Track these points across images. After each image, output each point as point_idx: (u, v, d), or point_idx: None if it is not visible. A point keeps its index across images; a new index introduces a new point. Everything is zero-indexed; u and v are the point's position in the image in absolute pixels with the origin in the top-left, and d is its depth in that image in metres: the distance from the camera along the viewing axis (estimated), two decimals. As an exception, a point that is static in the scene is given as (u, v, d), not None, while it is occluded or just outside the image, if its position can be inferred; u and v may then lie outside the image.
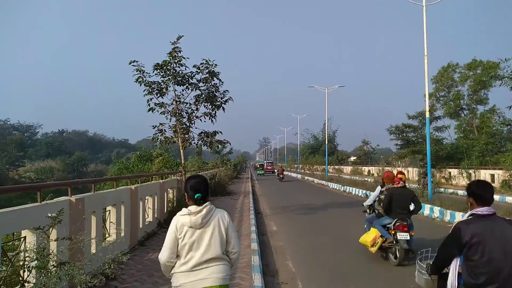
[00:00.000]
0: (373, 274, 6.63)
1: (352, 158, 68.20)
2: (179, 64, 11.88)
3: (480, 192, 3.04)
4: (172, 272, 2.91)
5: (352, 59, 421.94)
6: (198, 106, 12.77)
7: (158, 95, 12.21)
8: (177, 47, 11.71)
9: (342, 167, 55.41)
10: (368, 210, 8.21)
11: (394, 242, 6.71)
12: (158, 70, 12.00)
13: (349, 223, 12.26)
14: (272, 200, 18.69)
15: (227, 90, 12.70)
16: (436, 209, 12.49)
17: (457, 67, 39.26)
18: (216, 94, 12.63)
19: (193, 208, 2.89)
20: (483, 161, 31.05)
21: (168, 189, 12.46)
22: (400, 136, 34.24)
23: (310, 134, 78.03)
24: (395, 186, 7.06)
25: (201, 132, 12.87)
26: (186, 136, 12.67)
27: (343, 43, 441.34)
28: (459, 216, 11.17)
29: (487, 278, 2.82)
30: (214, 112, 12.78)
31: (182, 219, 2.88)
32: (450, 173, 28.44)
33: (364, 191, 20.05)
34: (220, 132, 12.93)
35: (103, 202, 6.84)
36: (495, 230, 2.88)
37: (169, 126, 12.55)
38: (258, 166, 56.29)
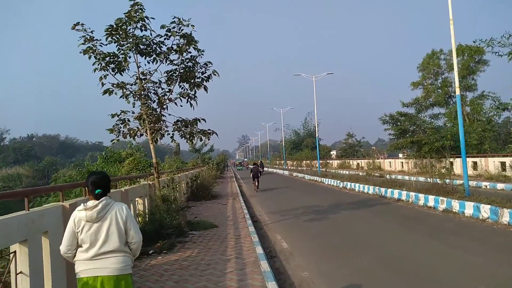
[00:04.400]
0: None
1: (333, 152, 66.07)
2: (141, 26, 8.68)
3: None
4: (74, 259, 2.97)
5: (338, 47, 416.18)
6: (171, 86, 9.61)
7: (115, 71, 8.97)
8: (138, 2, 8.51)
9: (329, 161, 53.05)
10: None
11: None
12: (114, 37, 8.77)
13: (381, 230, 9.36)
14: (267, 202, 15.52)
15: (209, 62, 9.54)
16: (486, 208, 9.60)
17: (441, 53, 37.64)
18: (195, 68, 9.49)
19: (90, 203, 2.92)
20: (482, 149, 29.14)
21: (137, 199, 9.23)
22: (396, 125, 31.76)
23: (291, 130, 75.97)
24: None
25: (178, 120, 9.67)
26: (157, 125, 9.45)
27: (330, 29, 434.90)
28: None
29: None
30: (193, 93, 9.62)
31: (79, 214, 2.92)
32: (451, 163, 26.13)
33: (375, 188, 16.63)
34: (203, 119, 9.73)
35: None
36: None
37: (133, 113, 9.31)
38: (237, 163, 77.70)
